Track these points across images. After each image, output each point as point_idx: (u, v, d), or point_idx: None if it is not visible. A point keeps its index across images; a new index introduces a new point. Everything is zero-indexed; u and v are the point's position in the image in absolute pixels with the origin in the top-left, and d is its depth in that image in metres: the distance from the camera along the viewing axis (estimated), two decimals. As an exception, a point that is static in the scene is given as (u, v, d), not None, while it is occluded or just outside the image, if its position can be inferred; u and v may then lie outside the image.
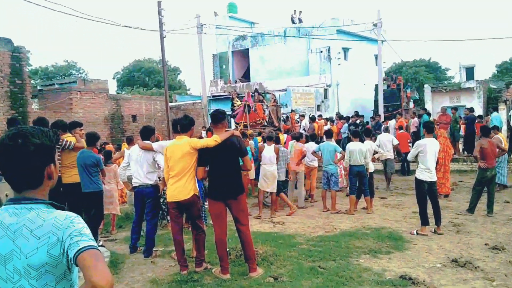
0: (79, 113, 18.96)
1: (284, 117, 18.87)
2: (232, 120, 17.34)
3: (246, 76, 30.91)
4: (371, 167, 9.76)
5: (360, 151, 9.26)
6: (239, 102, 16.36)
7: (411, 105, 24.29)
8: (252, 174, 12.04)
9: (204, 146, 5.26)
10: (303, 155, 10.32)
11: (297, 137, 10.86)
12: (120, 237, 8.10)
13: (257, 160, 10.98)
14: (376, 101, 22.70)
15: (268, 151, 9.45)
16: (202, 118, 21.60)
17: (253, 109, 16.45)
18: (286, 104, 21.07)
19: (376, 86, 22.80)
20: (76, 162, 6.83)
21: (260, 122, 16.26)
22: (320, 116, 20.56)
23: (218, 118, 5.35)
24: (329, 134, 10.23)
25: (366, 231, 7.83)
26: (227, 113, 24.98)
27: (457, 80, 34.05)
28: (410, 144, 14.51)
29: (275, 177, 9.37)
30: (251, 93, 17.43)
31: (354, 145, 9.36)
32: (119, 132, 20.46)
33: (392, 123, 17.38)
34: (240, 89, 22.13)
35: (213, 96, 27.97)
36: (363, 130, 11.89)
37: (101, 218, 7.37)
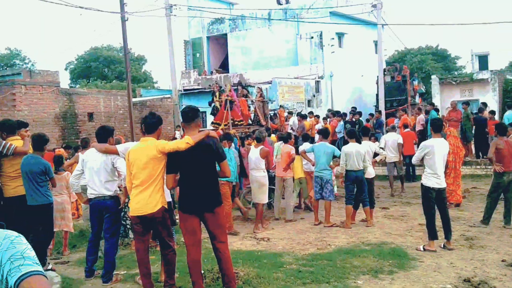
0: (24, 111, 18.57)
1: (272, 114, 19.15)
2: (211, 118, 17.64)
3: (224, 67, 31.06)
4: (371, 172, 9.87)
5: (357, 153, 9.36)
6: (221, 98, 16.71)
7: (418, 99, 24.78)
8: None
9: (174, 149, 5.28)
10: (291, 159, 10.41)
11: (285, 138, 10.97)
12: (73, 258, 8.07)
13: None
14: (377, 95, 23.11)
15: (254, 153, 9.57)
16: (172, 116, 21.71)
17: (236, 105, 16.79)
18: (271, 99, 21.49)
19: (379, 77, 23.10)
20: (20, 170, 6.78)
21: (240, 122, 16.61)
22: (311, 113, 20.84)
23: (190, 116, 5.39)
24: (324, 133, 10.34)
25: (365, 247, 7.92)
26: (204, 109, 23.58)
27: (468, 70, 34.68)
28: (417, 146, 14.97)
29: (262, 184, 9.49)
30: (233, 87, 17.73)
31: (350, 147, 9.45)
32: (72, 133, 20.20)
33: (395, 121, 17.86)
34: (218, 82, 22.13)
35: (185, 90, 28.29)
36: (360, 129, 11.94)
37: (51, 237, 7.33)
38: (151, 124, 5.66)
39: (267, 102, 19.23)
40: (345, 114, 19.83)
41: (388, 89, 22.76)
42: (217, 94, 17.05)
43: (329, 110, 21.47)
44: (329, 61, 26.62)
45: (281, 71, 25.95)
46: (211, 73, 29.74)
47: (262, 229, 9.70)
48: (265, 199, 9.65)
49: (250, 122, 17.32)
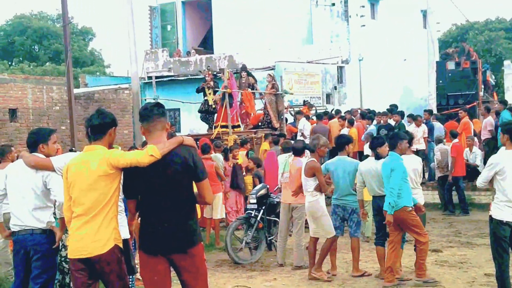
0: None
1: (292, 113, 19.67)
2: (193, 118, 18.41)
3: (206, 45, 31.23)
4: (420, 198, 9.73)
5: (377, 171, 9.52)
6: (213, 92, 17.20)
7: (491, 94, 25.21)
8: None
9: (133, 163, 5.32)
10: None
11: (299, 150, 10.94)
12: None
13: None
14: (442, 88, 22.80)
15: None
16: (131, 115, 21.87)
17: (238, 101, 17.34)
18: (287, 92, 21.82)
19: (437, 63, 23.43)
20: None
21: (236, 126, 17.07)
22: (338, 112, 20.69)
23: (153, 115, 5.46)
24: (340, 143, 10.35)
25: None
26: (178, 106, 24.44)
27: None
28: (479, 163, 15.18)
29: (314, 212, 9.82)
30: (233, 73, 18.25)
31: (369, 163, 9.73)
32: (-15, 137, 19.88)
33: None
34: (211, 67, 22.55)
35: (150, 78, 27.44)
36: (389, 136, 11.41)
37: None
38: (99, 126, 5.66)
39: (282, 96, 19.52)
40: (373, 115, 19.83)
41: (451, 79, 22.80)
42: (211, 85, 17.64)
43: (348, 112, 21.34)
44: (357, 39, 26.76)
45: (287, 53, 26.04)
46: (188, 53, 29.67)
47: (321, 273, 9.80)
48: (330, 231, 9.75)
49: (259, 123, 17.89)
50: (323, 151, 10.11)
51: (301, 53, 26.43)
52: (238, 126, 17.36)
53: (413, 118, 18.57)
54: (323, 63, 25.97)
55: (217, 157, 13.59)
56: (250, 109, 18.97)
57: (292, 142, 13.00)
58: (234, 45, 28.77)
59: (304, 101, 22.22)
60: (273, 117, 18.19)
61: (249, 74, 18.91)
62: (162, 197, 5.36)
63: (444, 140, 17.08)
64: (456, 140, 16.13)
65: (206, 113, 18.87)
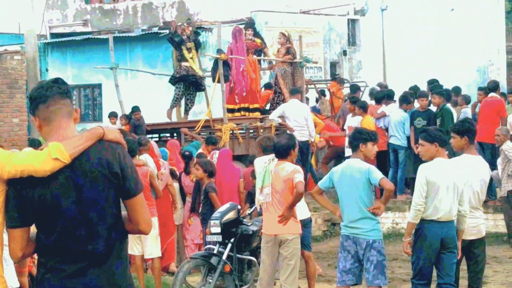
0: None
1: (316, 92, 19.40)
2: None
3: None
4: (481, 229, 9.51)
5: (452, 183, 8.75)
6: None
7: None
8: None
9: (26, 171, 4.40)
10: (297, 196, 9.63)
11: (283, 150, 10.07)
12: None
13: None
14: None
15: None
16: (25, 91, 19.78)
17: (242, 71, 17.06)
18: (308, 60, 19.79)
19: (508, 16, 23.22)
20: None
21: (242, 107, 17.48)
22: (356, 89, 19.47)
23: (53, 97, 4.53)
24: (356, 140, 9.57)
25: None
26: (100, 82, 24.91)
27: None
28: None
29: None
30: (242, 30, 17.93)
31: (434, 168, 8.83)
32: None
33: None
34: (127, 16, 22.69)
35: (54, 36, 26.90)
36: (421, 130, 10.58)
37: None
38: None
39: (301, 65, 18.15)
40: (408, 98, 17.20)
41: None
42: (187, 39, 17.28)
43: (335, 76, 21.63)
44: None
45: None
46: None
47: None
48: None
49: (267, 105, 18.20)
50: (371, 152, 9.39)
51: (291, 1, 25.13)
52: (247, 109, 17.05)
53: (466, 102, 18.21)
54: (325, 14, 24.73)
55: (147, 159, 12.14)
56: (255, 84, 17.55)
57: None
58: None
59: (335, 75, 21.55)
60: (288, 97, 16.67)
61: (256, 34, 17.96)
62: (72, 225, 4.50)
63: None
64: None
65: (187, 83, 17.70)
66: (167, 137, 18.17)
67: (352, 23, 25.21)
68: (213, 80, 17.20)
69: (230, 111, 17.12)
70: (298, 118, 16.40)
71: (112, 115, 19.14)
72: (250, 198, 12.56)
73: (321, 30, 23.87)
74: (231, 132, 16.01)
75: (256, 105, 17.37)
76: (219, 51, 16.68)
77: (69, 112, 4.57)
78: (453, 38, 26.88)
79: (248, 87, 17.22)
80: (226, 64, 16.48)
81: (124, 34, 24.80)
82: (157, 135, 18.34)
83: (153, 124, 18.34)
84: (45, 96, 4.50)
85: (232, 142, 15.81)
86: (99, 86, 25.53)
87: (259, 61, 18.18)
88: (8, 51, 21.43)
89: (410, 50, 26.17)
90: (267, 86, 19.24)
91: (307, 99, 18.87)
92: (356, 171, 9.03)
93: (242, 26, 18.97)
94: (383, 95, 17.72)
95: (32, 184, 4.39)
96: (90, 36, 26.04)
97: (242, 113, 17.42)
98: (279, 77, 17.55)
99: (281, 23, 22.81)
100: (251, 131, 16.29)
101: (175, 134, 17.53)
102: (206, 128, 16.27)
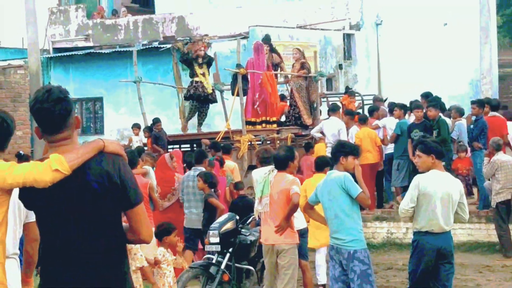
0: None
1: (328, 105, 19.16)
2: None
3: (143, 1, 30.41)
4: None
5: (447, 194, 8.79)
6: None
7: None
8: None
9: (27, 182, 4.45)
10: (292, 207, 9.66)
11: (282, 161, 10.26)
12: None
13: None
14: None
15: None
16: (27, 107, 19.96)
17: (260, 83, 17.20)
18: (322, 74, 20.71)
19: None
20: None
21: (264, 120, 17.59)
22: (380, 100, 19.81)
23: (56, 109, 4.51)
24: (338, 152, 9.59)
25: None
26: (101, 95, 24.67)
27: None
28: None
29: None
30: (263, 44, 18.00)
31: (429, 179, 8.85)
32: None
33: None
34: (128, 31, 22.49)
35: (56, 50, 26.99)
36: (418, 141, 10.83)
37: None
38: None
39: (316, 80, 18.49)
40: (405, 107, 17.74)
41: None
42: (200, 55, 17.51)
43: (347, 90, 20.94)
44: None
45: (267, 13, 24.86)
46: (115, 13, 28.05)
47: None
48: None
49: (284, 118, 18.44)
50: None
51: (288, 14, 25.37)
52: (265, 122, 17.18)
53: (461, 113, 17.85)
54: (322, 29, 25.02)
55: (150, 172, 12.56)
56: (273, 97, 17.62)
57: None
58: (185, 1, 27.10)
59: (347, 88, 21.29)
60: (302, 110, 17.20)
61: (272, 50, 18.02)
62: (72, 236, 4.58)
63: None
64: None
65: (198, 101, 18.02)
66: (187, 148, 18.56)
67: (347, 37, 25.58)
68: (232, 94, 17.49)
69: (252, 123, 17.46)
70: (334, 134, 16.62)
71: (135, 126, 19.43)
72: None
73: (317, 45, 24.14)
74: (249, 143, 16.30)
75: (274, 118, 17.56)
76: (238, 66, 17.05)
77: (72, 125, 4.60)
78: (446, 52, 27.20)
79: (268, 100, 17.50)
80: (245, 78, 16.82)
81: (124, 49, 24.91)
82: (178, 146, 18.68)
83: (174, 136, 18.85)
84: (49, 111, 4.52)
85: (250, 152, 16.11)
86: (100, 99, 25.69)
87: (275, 75, 18.37)
88: (12, 65, 22.12)
89: (404, 64, 26.38)
90: (281, 97, 19.56)
91: (320, 112, 19.20)
92: (333, 182, 9.12)
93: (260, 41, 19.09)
94: (374, 109, 18.04)
95: (34, 195, 4.49)
96: (91, 50, 26.27)
97: (264, 125, 17.62)
98: (294, 91, 17.75)
99: (278, 37, 23.00)
100: (268, 142, 16.37)
101: (195, 145, 17.90)
102: (225, 139, 16.56)
